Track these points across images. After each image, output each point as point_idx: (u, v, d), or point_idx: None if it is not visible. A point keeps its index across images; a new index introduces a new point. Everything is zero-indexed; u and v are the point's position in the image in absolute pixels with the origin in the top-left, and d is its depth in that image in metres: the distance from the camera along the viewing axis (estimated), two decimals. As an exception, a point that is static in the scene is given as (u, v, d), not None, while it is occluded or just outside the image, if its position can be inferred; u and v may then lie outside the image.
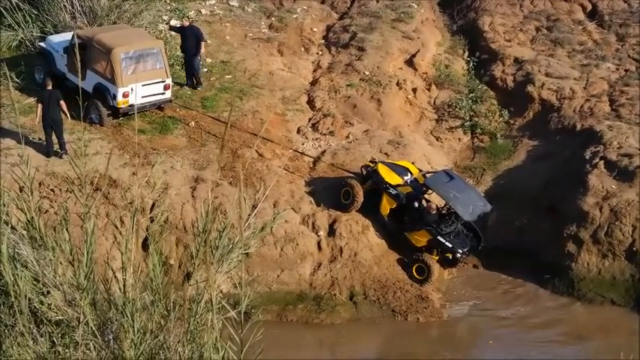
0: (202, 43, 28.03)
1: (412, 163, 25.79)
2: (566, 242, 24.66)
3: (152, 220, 21.42)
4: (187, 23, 28.21)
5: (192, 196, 23.35)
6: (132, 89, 24.85)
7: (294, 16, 35.57)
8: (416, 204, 24.14)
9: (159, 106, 26.29)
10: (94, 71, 25.12)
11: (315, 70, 32.11)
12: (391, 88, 30.39)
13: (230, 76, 29.57)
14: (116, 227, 21.23)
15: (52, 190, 22.22)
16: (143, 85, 25.17)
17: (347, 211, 24.28)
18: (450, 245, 23.67)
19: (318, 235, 23.79)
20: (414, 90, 31.23)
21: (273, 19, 35.16)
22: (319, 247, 23.73)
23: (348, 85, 30.18)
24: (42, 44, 27.38)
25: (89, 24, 28.02)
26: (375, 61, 31.74)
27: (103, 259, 18.67)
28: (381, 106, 29.45)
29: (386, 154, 26.55)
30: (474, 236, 24.41)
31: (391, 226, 24.42)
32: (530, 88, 30.66)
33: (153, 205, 22.65)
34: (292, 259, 23.36)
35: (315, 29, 35.30)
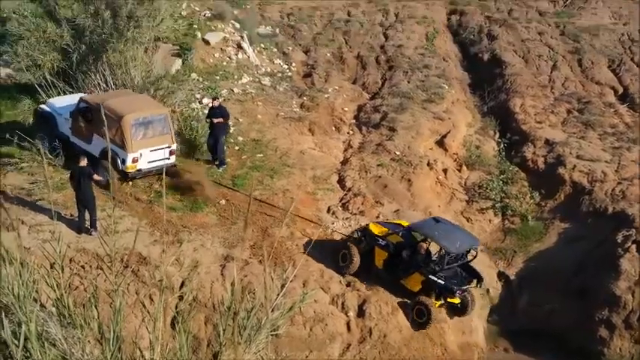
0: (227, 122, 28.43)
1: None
2: (598, 327, 24.35)
3: (181, 299, 21.38)
4: (217, 103, 28.41)
5: (222, 274, 23.27)
6: (140, 154, 25.49)
7: (326, 96, 35.83)
8: (405, 252, 24.09)
9: (166, 171, 26.82)
10: (102, 136, 25.60)
11: (345, 150, 32.23)
12: (422, 168, 30.41)
13: (261, 155, 29.71)
14: (144, 306, 21.16)
15: (82, 266, 22.22)
16: (151, 151, 25.76)
17: (345, 274, 24.39)
18: (443, 282, 23.42)
19: (348, 316, 23.60)
20: (445, 170, 31.23)
21: (304, 98, 35.42)
22: (348, 328, 23.51)
23: (378, 165, 30.22)
24: (43, 107, 28.08)
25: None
26: (405, 141, 31.83)
27: (131, 337, 18.59)
28: (412, 186, 29.43)
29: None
30: (473, 277, 24.14)
31: (386, 277, 24.38)
32: (561, 170, 30.57)
33: (182, 283, 22.61)
34: (321, 339, 23.15)
35: (346, 109, 35.52)
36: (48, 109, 27.78)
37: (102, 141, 25.54)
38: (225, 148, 28.55)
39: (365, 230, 25.03)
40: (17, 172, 26.00)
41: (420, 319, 23.54)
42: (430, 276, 23.45)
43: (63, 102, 27.84)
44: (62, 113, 27.15)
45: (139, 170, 25.74)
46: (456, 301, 23.98)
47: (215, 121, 27.74)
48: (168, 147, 26.25)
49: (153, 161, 25.98)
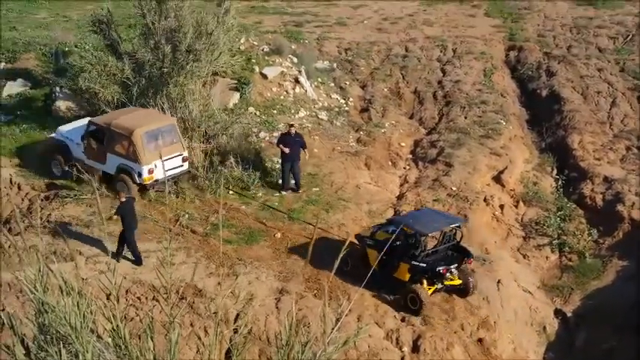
0: (305, 150, 29.24)
1: (498, 281, 25.58)
2: (658, 366, 23.96)
3: (236, 331, 21.40)
4: (294, 131, 29.07)
5: (277, 307, 23.28)
6: (155, 165, 26.50)
7: (382, 131, 35.86)
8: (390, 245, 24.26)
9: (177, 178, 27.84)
10: (115, 154, 26.79)
11: (402, 185, 32.20)
12: (478, 204, 30.25)
13: (317, 189, 29.81)
14: (199, 338, 21.21)
15: (138, 297, 22.38)
16: (164, 161, 26.63)
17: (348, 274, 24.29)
18: (425, 265, 23.61)
19: (402, 351, 23.41)
20: (502, 206, 31.04)
21: (361, 133, 35.49)
22: (403, 364, 23.36)
23: (434, 200, 30.11)
24: (54, 135, 29.26)
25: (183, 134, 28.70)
26: (462, 177, 31.71)
27: (185, 369, 18.62)
28: (468, 222, 29.26)
29: (472, 270, 26.32)
30: (465, 256, 24.44)
31: (383, 276, 24.18)
32: (620, 207, 30.21)
33: (237, 316, 22.65)
34: (375, 375, 23.02)
35: (402, 144, 35.51)
36: (59, 136, 28.61)
37: (116, 159, 26.65)
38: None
39: (358, 236, 25.47)
40: (76, 203, 26.37)
41: (413, 306, 23.74)
42: (413, 262, 23.68)
43: (72, 127, 28.98)
44: (74, 139, 28.15)
45: (156, 181, 26.90)
46: (456, 282, 24.34)
47: (305, 151, 29.16)
48: (180, 155, 27.49)
49: (168, 170, 27.00)
